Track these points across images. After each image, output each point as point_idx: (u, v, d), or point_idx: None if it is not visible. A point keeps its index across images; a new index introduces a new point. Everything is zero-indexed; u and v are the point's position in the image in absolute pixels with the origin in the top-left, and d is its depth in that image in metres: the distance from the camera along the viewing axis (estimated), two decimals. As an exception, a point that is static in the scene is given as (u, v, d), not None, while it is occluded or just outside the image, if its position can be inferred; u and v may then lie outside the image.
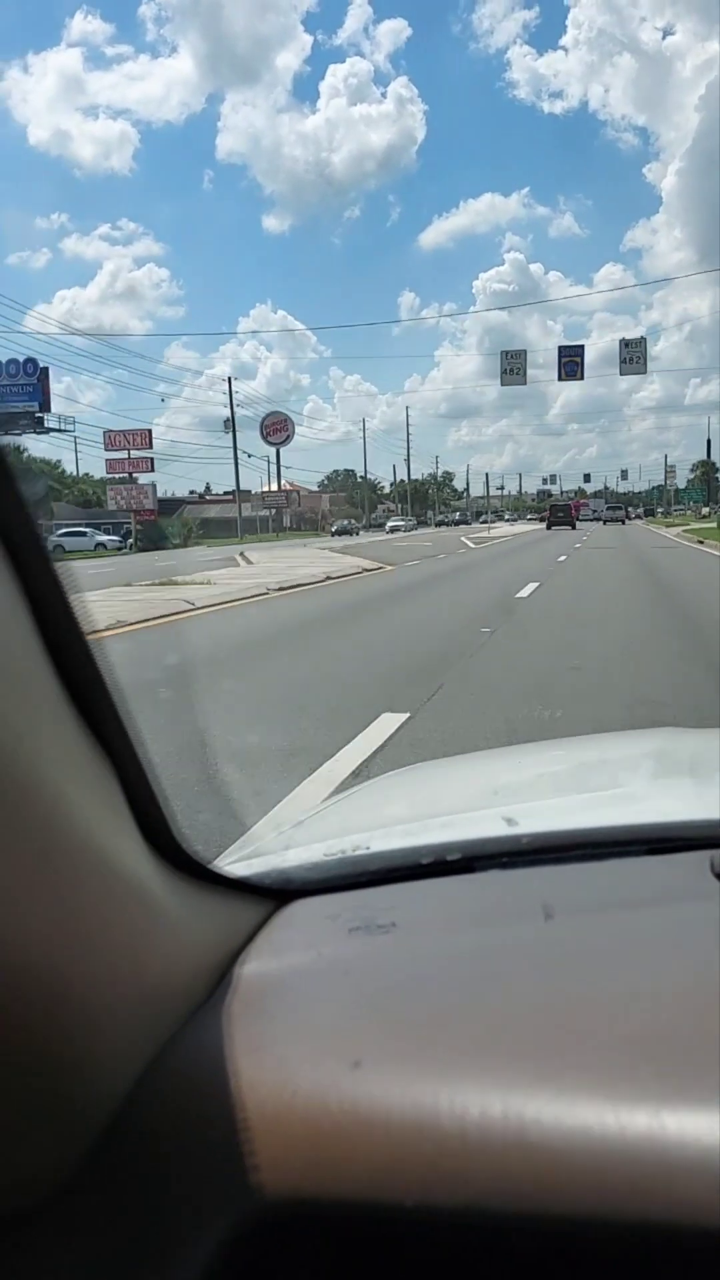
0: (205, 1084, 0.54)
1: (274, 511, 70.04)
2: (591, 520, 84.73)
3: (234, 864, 0.84)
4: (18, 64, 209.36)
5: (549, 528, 60.78)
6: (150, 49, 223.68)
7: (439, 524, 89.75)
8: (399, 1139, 0.49)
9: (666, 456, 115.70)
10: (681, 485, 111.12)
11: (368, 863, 0.80)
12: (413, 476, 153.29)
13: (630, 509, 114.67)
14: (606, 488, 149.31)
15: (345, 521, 68.17)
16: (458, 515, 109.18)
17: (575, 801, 1.16)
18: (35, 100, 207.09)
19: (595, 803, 1.12)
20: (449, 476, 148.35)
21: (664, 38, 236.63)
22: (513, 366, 54.81)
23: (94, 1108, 0.51)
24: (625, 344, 56.44)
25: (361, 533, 67.00)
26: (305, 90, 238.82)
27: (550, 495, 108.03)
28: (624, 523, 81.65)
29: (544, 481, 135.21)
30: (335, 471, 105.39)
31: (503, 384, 53.71)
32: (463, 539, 44.35)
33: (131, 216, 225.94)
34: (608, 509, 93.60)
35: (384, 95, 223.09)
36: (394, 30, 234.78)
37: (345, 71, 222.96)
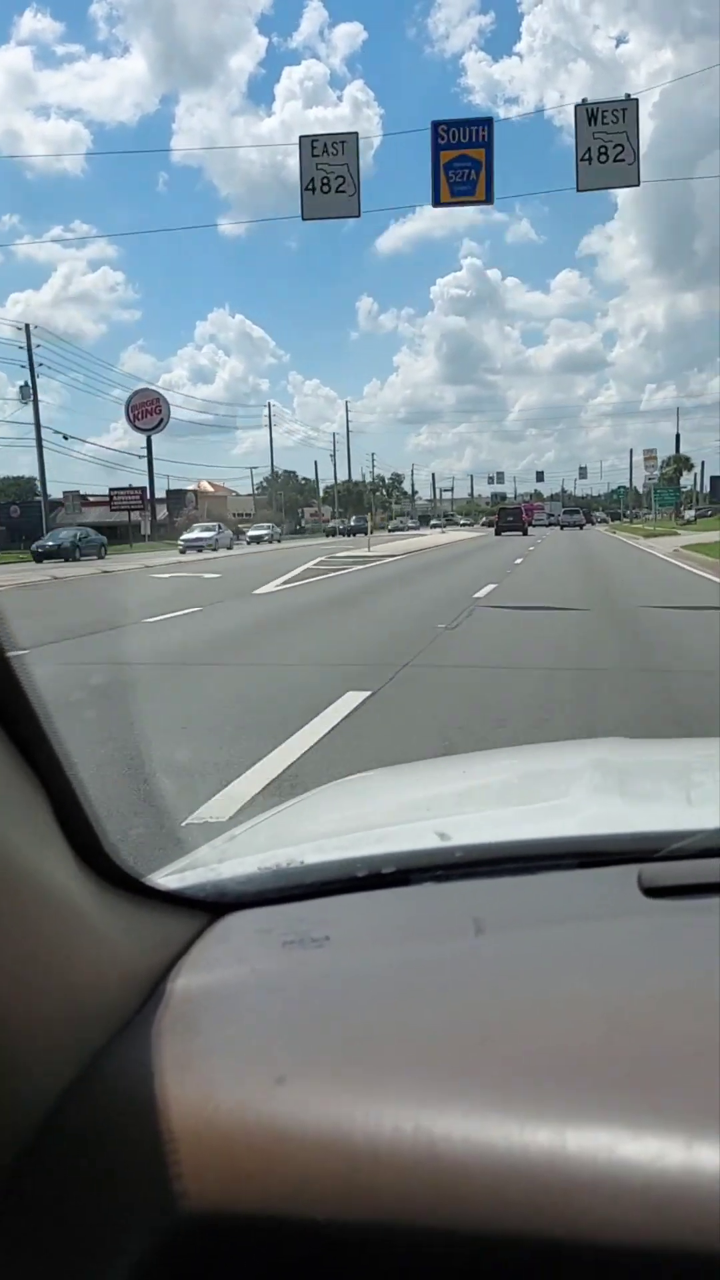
0: (130, 1099, 0.55)
1: (133, 516, 53.46)
2: (546, 525, 78.55)
3: (168, 877, 0.83)
4: None
5: (498, 533, 56.16)
6: (102, 49, 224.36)
7: (331, 532, 71.22)
8: (314, 1155, 0.50)
9: (632, 452, 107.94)
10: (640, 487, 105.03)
11: (302, 875, 0.81)
12: (364, 479, 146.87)
13: (592, 513, 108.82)
14: (564, 490, 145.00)
15: (204, 529, 45.61)
16: (394, 522, 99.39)
17: (511, 814, 1.16)
18: None
19: (530, 815, 1.13)
20: (398, 479, 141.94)
21: (617, 46, 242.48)
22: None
23: (16, 1122, 0.52)
24: (580, 468, 77.76)
25: (266, 540, 54.28)
26: (260, 93, 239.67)
27: (504, 499, 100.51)
28: (582, 528, 76.12)
29: (490, 481, 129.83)
30: (278, 473, 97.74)
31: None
32: (345, 553, 31.60)
33: (85, 218, 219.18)
34: (565, 513, 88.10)
35: (340, 99, 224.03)
36: (350, 34, 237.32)
37: (300, 74, 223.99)
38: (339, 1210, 0.49)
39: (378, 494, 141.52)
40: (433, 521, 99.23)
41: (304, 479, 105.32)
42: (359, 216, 17.42)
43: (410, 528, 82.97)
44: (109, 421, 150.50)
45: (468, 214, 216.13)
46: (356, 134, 17.72)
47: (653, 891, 0.73)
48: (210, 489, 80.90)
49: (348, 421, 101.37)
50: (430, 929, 0.74)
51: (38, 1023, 0.53)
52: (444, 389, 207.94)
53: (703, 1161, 0.45)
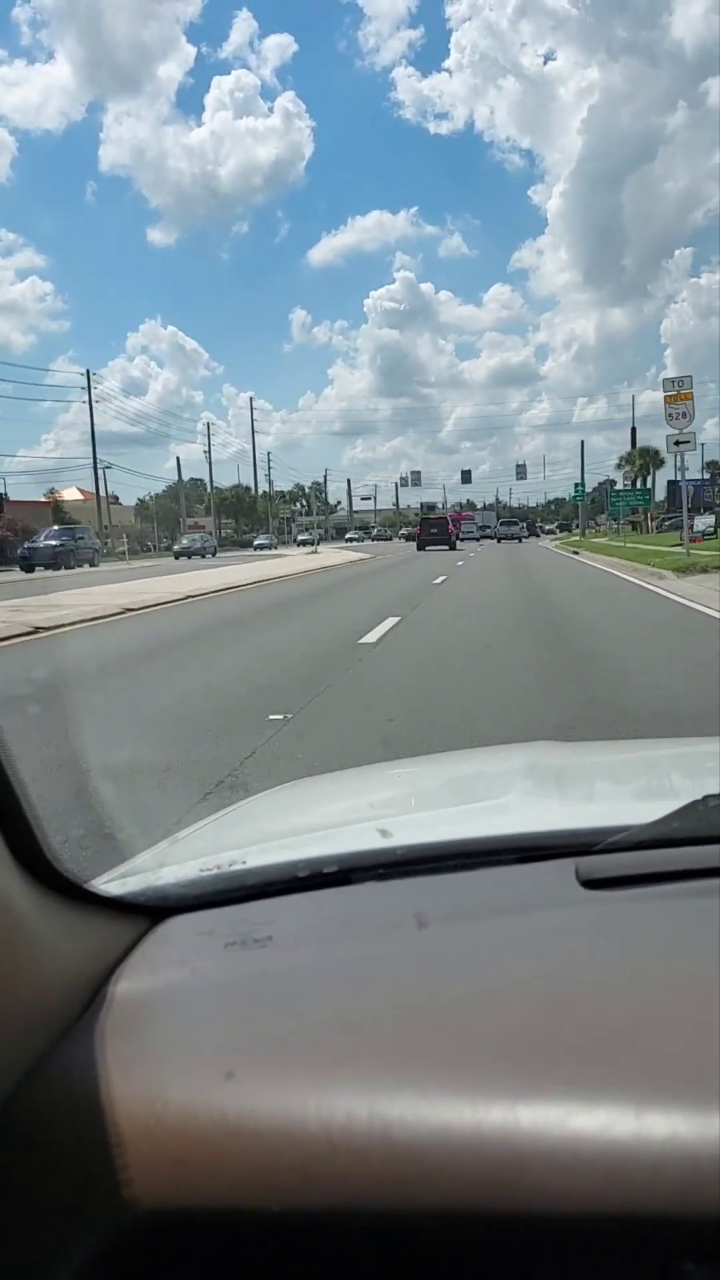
0: (75, 1101, 0.56)
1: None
2: (478, 538, 69.88)
3: (110, 883, 0.84)
4: None
5: (420, 548, 47.02)
6: (25, 54, 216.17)
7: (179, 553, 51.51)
8: (268, 1146, 0.51)
9: (583, 444, 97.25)
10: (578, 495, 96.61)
11: (244, 878, 0.82)
12: (290, 490, 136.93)
13: (536, 524, 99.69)
14: (499, 500, 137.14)
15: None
16: (261, 538, 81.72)
17: (450, 813, 1.20)
18: None
19: (469, 814, 1.16)
20: (319, 488, 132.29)
21: (545, 63, 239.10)
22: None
23: None
24: (519, 466, 79.72)
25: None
26: (190, 102, 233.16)
27: (433, 508, 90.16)
28: (521, 540, 67.49)
29: (404, 482, 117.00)
30: (186, 481, 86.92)
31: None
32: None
33: (10, 227, 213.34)
34: (502, 523, 79.88)
35: (271, 110, 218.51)
36: (280, 45, 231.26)
37: (230, 84, 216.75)
38: (297, 1199, 0.50)
39: (298, 504, 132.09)
40: (300, 538, 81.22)
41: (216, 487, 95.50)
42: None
43: (265, 546, 65.09)
44: (40, 433, 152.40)
45: (399, 226, 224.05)
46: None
47: (590, 883, 0.76)
48: (81, 496, 69.81)
49: (253, 421, 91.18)
50: (373, 925, 0.75)
51: None
52: (378, 401, 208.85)
53: (652, 1128, 0.47)
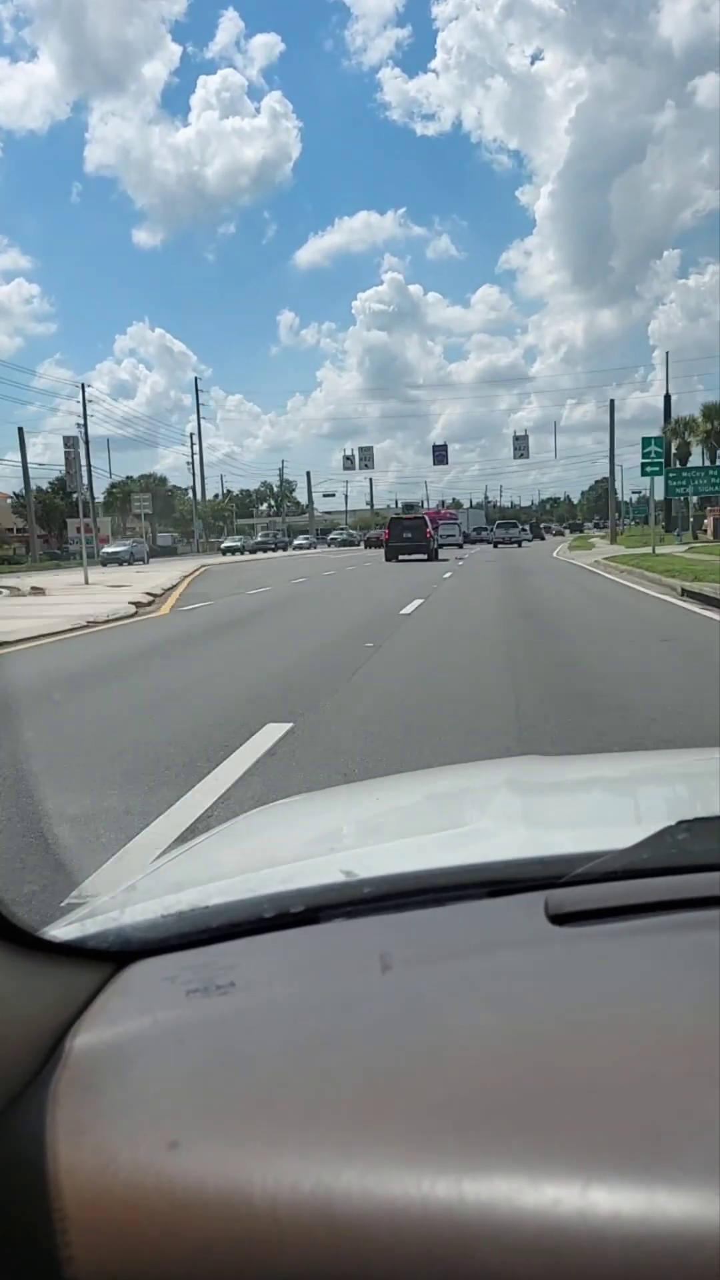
0: (24, 1169, 0.55)
1: None
2: (460, 544, 59.08)
3: (69, 926, 0.83)
4: None
5: (391, 558, 36.94)
6: (8, 52, 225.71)
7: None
8: (213, 1218, 0.51)
9: (612, 405, 67.87)
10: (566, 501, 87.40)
11: (208, 919, 0.81)
12: (256, 489, 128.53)
13: (540, 525, 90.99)
14: (489, 499, 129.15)
15: None
16: (260, 536, 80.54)
17: (420, 842, 1.18)
18: None
19: (440, 843, 1.15)
20: (290, 486, 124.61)
21: (533, 63, 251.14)
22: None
23: None
24: (516, 438, 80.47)
25: None
26: (175, 102, 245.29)
27: (413, 508, 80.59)
28: (520, 545, 59.42)
29: (348, 462, 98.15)
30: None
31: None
32: None
33: None
34: (498, 525, 70.13)
35: (258, 110, 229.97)
36: (267, 44, 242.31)
37: (217, 84, 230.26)
38: (237, 1275, 0.50)
39: (265, 504, 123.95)
40: (226, 544, 72.61)
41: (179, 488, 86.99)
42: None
43: (118, 558, 50.41)
44: (29, 435, 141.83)
45: (387, 227, 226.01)
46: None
47: (559, 918, 0.75)
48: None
49: (198, 405, 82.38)
50: (338, 968, 0.75)
51: None
52: (367, 404, 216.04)
53: (597, 1205, 0.46)
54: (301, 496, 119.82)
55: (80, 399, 62.64)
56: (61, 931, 0.80)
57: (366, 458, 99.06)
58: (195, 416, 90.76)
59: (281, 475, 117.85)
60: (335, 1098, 0.56)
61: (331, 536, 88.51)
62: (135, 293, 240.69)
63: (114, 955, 0.76)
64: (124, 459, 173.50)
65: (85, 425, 61.65)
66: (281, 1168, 0.51)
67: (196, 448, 79.99)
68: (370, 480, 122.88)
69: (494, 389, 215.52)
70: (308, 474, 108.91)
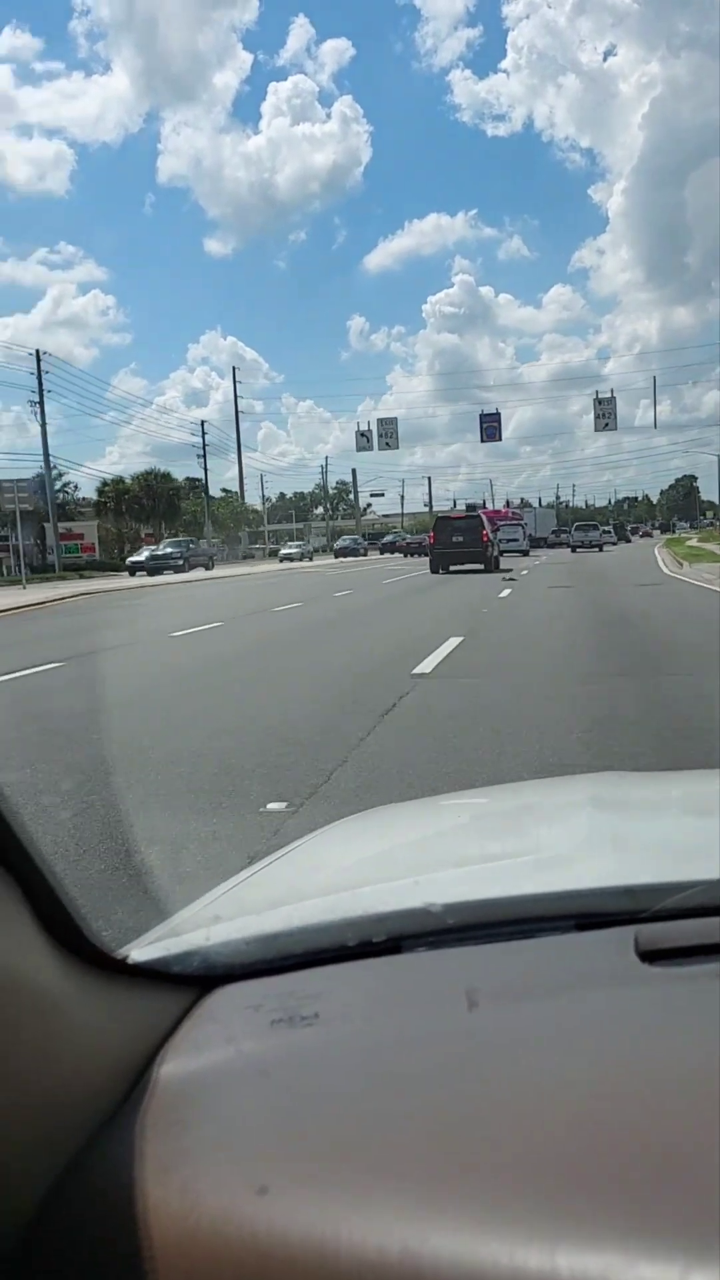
0: (113, 1205, 0.55)
1: None
2: (523, 551, 51.07)
3: (150, 947, 0.82)
4: None
5: (437, 569, 30.48)
6: (83, 66, 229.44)
7: None
8: (297, 1276, 0.50)
9: None
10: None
11: (291, 945, 0.81)
12: (311, 492, 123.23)
13: (625, 526, 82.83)
14: (560, 499, 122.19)
15: None
16: (165, 548, 54.43)
17: (503, 868, 1.15)
18: None
19: (523, 869, 1.13)
20: (344, 489, 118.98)
21: (605, 59, 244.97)
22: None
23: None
24: (599, 402, 66.00)
25: None
26: (246, 110, 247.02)
27: (474, 509, 72.02)
28: (602, 549, 52.76)
29: (364, 438, 74.62)
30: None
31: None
32: None
33: (70, 240, 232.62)
34: (578, 528, 62.70)
35: (328, 115, 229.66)
36: (337, 49, 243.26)
37: (288, 90, 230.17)
38: None
39: (320, 508, 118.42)
40: (285, 551, 64.52)
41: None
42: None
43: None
44: (104, 445, 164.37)
45: (457, 229, 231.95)
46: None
47: (649, 955, 0.73)
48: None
49: (235, 398, 76.19)
50: (422, 1003, 0.73)
51: (18, 1123, 0.53)
52: (437, 407, 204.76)
53: None
54: (361, 501, 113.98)
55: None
56: (143, 953, 0.78)
57: (388, 433, 75.10)
58: (235, 420, 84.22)
59: (325, 473, 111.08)
60: (422, 1147, 0.55)
61: (341, 544, 70.79)
62: (207, 301, 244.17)
63: (198, 980, 0.76)
64: (192, 467, 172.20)
65: (41, 399, 54.06)
66: (367, 1224, 0.50)
67: (235, 450, 74.41)
68: (429, 479, 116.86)
69: (566, 390, 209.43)
70: (353, 471, 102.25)
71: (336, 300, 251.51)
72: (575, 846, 1.17)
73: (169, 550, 48.38)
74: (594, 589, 19.73)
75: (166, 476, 69.12)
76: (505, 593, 18.97)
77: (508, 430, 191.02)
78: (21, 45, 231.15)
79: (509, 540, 49.96)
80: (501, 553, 37.59)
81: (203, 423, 76.26)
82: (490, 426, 73.31)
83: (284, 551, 64.04)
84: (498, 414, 75.88)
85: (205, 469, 75.64)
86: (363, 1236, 0.49)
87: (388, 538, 77.65)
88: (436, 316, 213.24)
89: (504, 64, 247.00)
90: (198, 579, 35.63)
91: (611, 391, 69.09)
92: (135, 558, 47.72)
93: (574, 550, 53.81)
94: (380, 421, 76.28)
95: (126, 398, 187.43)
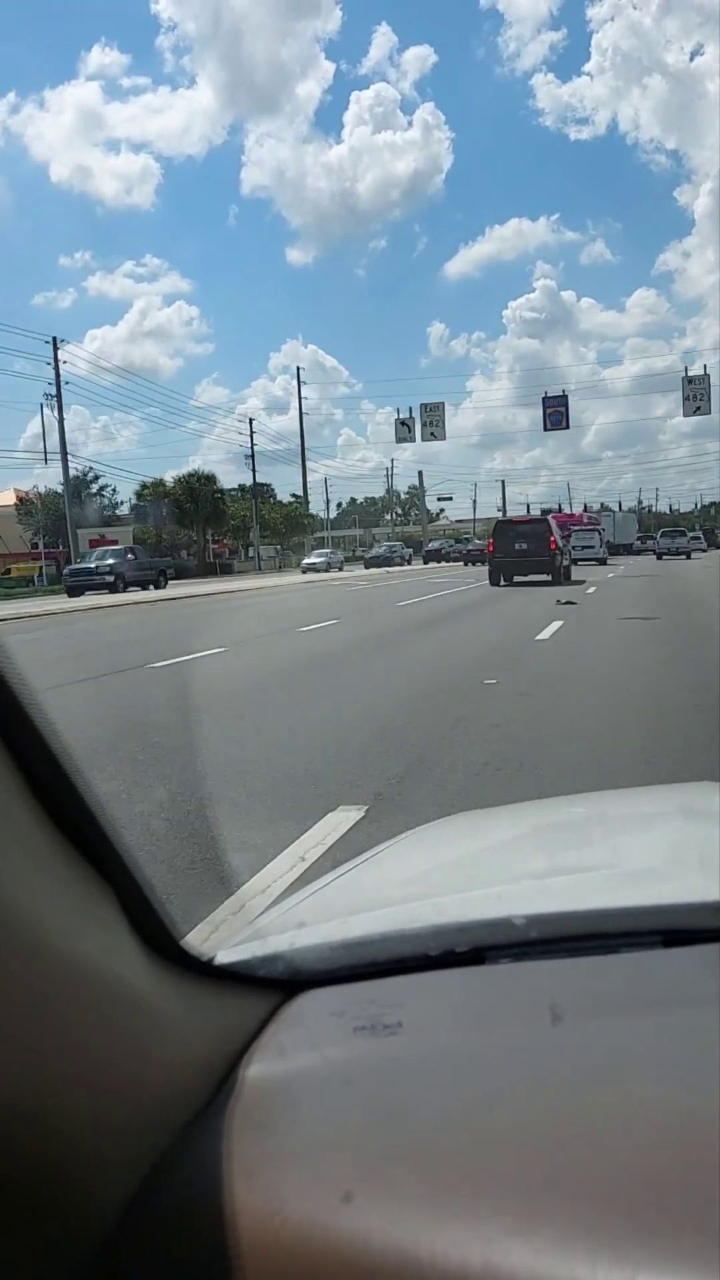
0: (199, 1204, 0.56)
1: None
2: (605, 558, 46.01)
3: (236, 949, 0.85)
4: (34, 100, 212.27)
5: (495, 581, 25.60)
6: (169, 80, 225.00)
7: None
8: None
9: None
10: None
11: (374, 953, 0.81)
12: (381, 498, 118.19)
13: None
14: (642, 503, 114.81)
15: None
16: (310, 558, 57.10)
17: (589, 879, 1.14)
18: (54, 136, 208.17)
19: (610, 881, 1.12)
20: (414, 494, 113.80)
21: (692, 59, 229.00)
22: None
23: (86, 1231, 0.54)
24: (688, 381, 59.16)
25: None
26: (328, 120, 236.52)
27: (548, 513, 63.82)
28: (689, 556, 47.64)
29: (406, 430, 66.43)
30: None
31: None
32: None
33: (156, 253, 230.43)
34: (663, 534, 57.61)
35: (410, 123, 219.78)
36: (420, 56, 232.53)
37: (370, 99, 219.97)
38: None
39: (390, 514, 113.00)
40: (308, 561, 57.52)
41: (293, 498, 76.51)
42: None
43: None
44: (188, 455, 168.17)
45: (539, 234, 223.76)
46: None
47: None
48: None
49: (300, 399, 70.83)
50: (505, 1016, 0.74)
51: (111, 1118, 0.55)
52: (517, 412, 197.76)
53: None
54: (433, 506, 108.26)
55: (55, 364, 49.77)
56: (229, 956, 0.80)
57: (434, 421, 65.78)
58: (299, 422, 78.65)
59: (390, 475, 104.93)
60: (504, 1163, 0.55)
61: (375, 553, 62.99)
62: (288, 310, 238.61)
63: (282, 984, 0.77)
64: (274, 472, 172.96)
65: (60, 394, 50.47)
66: (450, 1236, 0.50)
67: (299, 454, 69.16)
68: (502, 483, 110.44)
69: (649, 394, 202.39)
70: (419, 474, 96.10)
71: (416, 307, 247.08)
72: (663, 859, 1.15)
73: (99, 564, 35.28)
74: (687, 620, 13.48)
75: (210, 478, 63.69)
76: (553, 629, 12.63)
77: (589, 436, 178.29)
78: (110, 62, 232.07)
79: (584, 548, 44.16)
80: (574, 561, 33.87)
81: (250, 420, 71.14)
82: (555, 413, 64.85)
83: (307, 561, 56.86)
84: (564, 397, 66.80)
85: (254, 470, 70.45)
86: (445, 1248, 0.49)
87: (433, 544, 69.12)
88: (517, 321, 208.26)
89: (587, 67, 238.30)
90: (121, 603, 26.38)
91: (705, 368, 62.19)
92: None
93: (660, 557, 49.89)
94: (424, 409, 66.75)
95: (208, 407, 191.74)
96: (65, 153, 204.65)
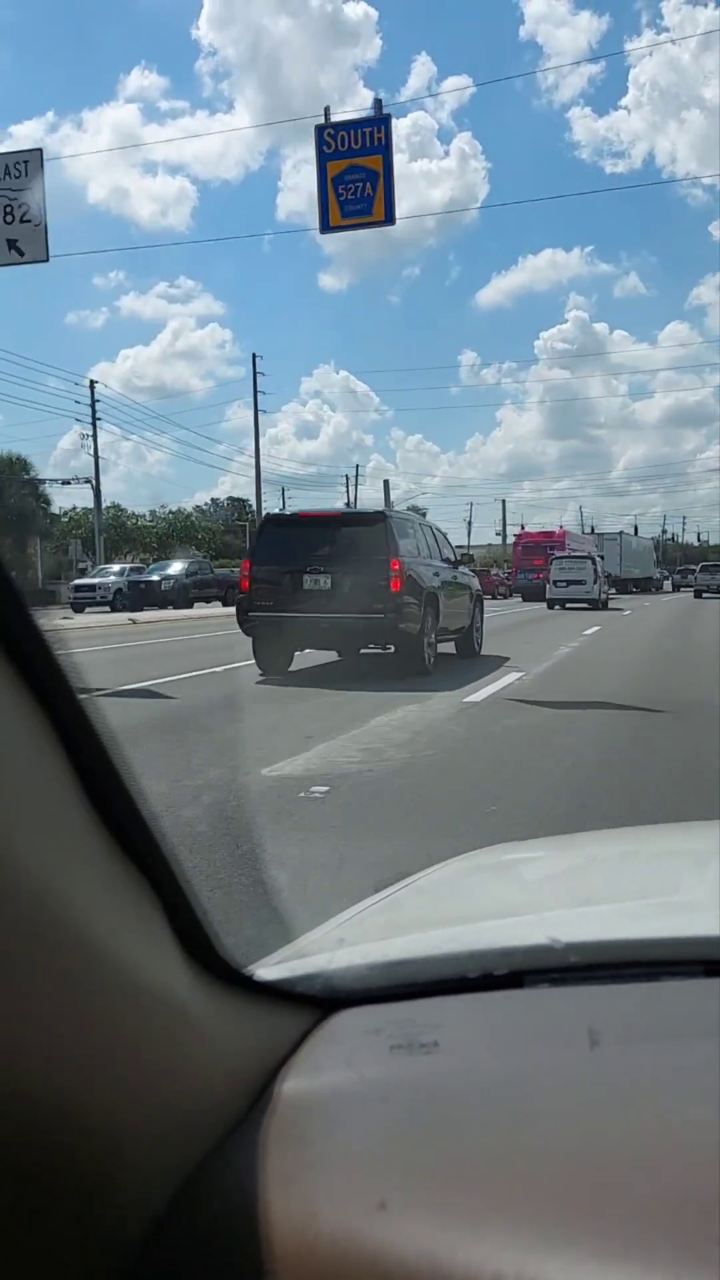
0: (234, 1213, 0.56)
1: None
2: (602, 597, 30.52)
3: (276, 967, 0.85)
4: (71, 120, 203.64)
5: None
6: (207, 104, 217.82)
7: None
8: None
9: None
10: None
11: (414, 973, 0.82)
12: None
13: None
14: (666, 531, 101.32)
15: None
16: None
17: (631, 909, 1.15)
18: (92, 157, 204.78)
19: (652, 911, 1.13)
20: (418, 512, 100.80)
21: None
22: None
23: (123, 1236, 0.55)
24: None
25: None
26: None
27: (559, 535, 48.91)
28: None
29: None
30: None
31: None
32: None
33: (190, 274, 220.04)
34: (703, 569, 45.71)
35: (446, 152, 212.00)
36: (458, 86, 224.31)
37: (407, 127, 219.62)
38: None
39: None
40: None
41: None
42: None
43: None
44: (217, 476, 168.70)
45: (572, 265, 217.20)
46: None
47: None
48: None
49: (255, 394, 57.30)
50: (542, 1039, 0.74)
51: (151, 1124, 0.55)
52: (546, 443, 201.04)
53: None
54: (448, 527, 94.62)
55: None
56: (269, 972, 0.81)
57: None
58: (254, 424, 64.82)
59: (386, 490, 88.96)
60: (540, 1179, 0.55)
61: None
62: (321, 336, 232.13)
63: (320, 1002, 0.77)
64: (306, 497, 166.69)
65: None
66: (485, 1248, 0.50)
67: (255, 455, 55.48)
68: (502, 502, 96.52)
69: (680, 428, 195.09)
70: (385, 483, 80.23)
71: (448, 335, 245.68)
72: (706, 892, 1.15)
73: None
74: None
75: (20, 463, 50.60)
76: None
77: (618, 466, 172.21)
78: (149, 85, 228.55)
79: (568, 584, 30.29)
80: (563, 601, 28.89)
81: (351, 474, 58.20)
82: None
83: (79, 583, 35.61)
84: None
85: (258, 487, 57.46)
86: (481, 1260, 0.50)
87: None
88: (549, 352, 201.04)
89: (625, 101, 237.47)
90: None
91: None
92: None
93: (699, 595, 40.61)
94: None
95: (240, 429, 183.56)
96: (104, 173, 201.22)
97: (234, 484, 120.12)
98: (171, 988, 0.58)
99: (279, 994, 0.75)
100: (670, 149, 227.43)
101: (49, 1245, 0.49)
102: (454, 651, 11.93)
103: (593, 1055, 0.68)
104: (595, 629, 19.25)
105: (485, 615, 13.66)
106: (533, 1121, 0.61)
